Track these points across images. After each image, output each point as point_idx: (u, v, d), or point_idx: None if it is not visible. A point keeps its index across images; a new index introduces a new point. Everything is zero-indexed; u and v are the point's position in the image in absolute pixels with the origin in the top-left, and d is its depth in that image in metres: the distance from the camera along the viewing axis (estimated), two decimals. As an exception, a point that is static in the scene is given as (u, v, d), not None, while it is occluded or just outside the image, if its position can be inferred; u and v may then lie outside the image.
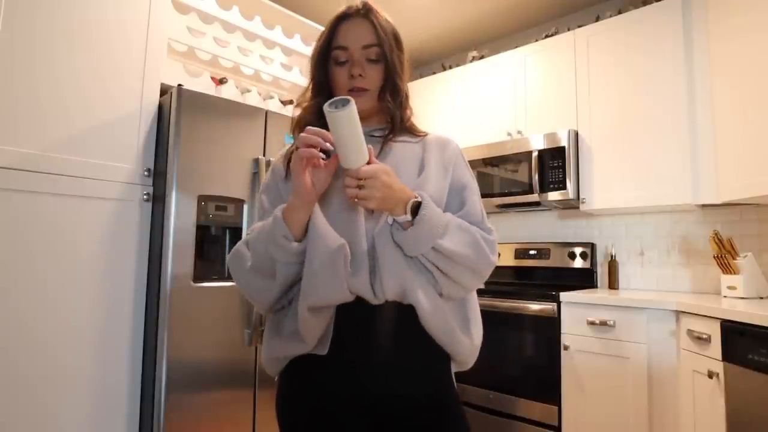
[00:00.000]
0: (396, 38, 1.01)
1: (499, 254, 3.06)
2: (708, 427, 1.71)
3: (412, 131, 1.04)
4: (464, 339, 0.94)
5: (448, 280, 0.90)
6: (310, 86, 1.02)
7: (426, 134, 1.05)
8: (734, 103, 2.04)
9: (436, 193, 0.93)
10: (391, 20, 1.01)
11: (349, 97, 0.82)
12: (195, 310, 1.82)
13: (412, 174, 0.96)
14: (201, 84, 2.08)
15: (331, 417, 0.88)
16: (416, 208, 0.85)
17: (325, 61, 0.98)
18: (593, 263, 2.73)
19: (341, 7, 0.99)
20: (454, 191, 0.98)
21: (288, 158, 0.98)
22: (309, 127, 0.85)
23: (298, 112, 1.03)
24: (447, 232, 0.87)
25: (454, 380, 0.99)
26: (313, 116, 0.97)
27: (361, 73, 0.95)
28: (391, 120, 1.00)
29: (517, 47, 2.99)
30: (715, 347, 1.67)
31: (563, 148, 2.54)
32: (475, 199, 0.98)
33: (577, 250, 2.75)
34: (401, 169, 0.94)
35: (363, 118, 0.85)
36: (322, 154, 0.83)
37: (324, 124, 0.83)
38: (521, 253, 2.98)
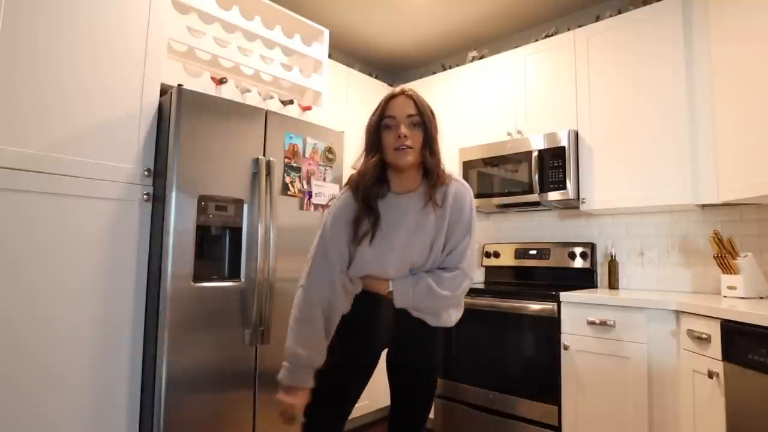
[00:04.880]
0: (432, 112, 1.33)
1: (498, 254, 3.07)
2: (708, 427, 1.71)
3: (441, 178, 1.33)
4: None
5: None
6: (364, 150, 1.35)
7: (450, 183, 1.35)
8: (734, 103, 2.04)
9: (438, 251, 1.35)
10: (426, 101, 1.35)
11: None
12: (195, 310, 1.82)
13: (427, 245, 1.34)
14: (201, 84, 2.08)
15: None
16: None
17: (379, 128, 1.31)
18: (593, 263, 2.73)
19: (390, 90, 1.35)
20: (453, 239, 1.35)
21: (355, 187, 1.32)
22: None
23: (355, 170, 1.36)
24: (417, 297, 1.31)
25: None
26: (376, 168, 1.30)
27: (406, 134, 1.26)
28: (427, 171, 1.32)
29: (517, 47, 3.00)
30: (715, 347, 1.67)
31: (563, 148, 2.54)
32: (465, 246, 1.34)
33: (577, 250, 2.75)
34: (418, 237, 1.32)
35: (407, 169, 1.30)
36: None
37: (380, 175, 1.31)
38: (521, 253, 2.98)
